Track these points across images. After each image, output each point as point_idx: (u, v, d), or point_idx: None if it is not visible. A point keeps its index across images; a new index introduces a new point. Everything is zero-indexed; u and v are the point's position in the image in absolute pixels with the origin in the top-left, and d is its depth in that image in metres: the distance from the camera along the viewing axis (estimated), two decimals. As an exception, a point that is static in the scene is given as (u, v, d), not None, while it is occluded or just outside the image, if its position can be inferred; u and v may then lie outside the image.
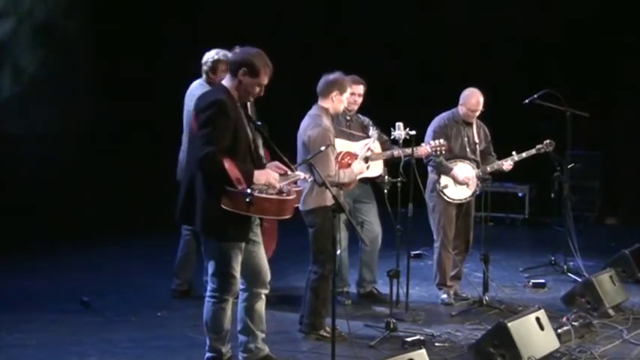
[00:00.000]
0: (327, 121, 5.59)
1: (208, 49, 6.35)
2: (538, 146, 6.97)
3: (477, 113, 6.68)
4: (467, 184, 6.64)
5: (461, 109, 6.68)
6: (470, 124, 6.74)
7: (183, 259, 6.59)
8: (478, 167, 6.68)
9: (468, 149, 6.70)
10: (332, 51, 10.53)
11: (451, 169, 6.62)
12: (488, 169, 6.71)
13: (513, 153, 6.81)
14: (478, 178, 6.65)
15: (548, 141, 7.00)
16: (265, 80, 4.63)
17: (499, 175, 7.00)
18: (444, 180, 6.65)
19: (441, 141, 6.42)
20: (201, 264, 6.41)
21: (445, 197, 6.65)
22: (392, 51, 11.23)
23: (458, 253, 6.79)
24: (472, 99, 6.62)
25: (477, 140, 6.72)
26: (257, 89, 4.64)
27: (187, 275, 6.62)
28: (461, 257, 6.84)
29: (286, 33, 10.79)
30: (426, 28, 10.99)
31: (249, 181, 4.42)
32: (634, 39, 10.29)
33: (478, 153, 6.72)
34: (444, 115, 6.77)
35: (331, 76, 5.68)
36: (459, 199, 6.68)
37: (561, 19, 10.71)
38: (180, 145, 6.43)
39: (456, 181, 6.62)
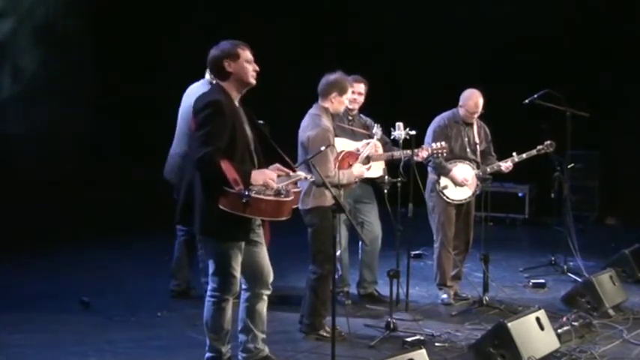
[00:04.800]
0: (326, 122, 5.57)
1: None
2: (538, 147, 6.96)
3: (477, 114, 6.68)
4: (466, 185, 6.64)
5: (460, 110, 6.69)
6: (470, 125, 6.74)
7: (179, 259, 6.60)
8: (478, 167, 6.69)
9: (468, 149, 6.70)
10: (333, 50, 10.55)
11: (450, 170, 6.62)
12: (488, 169, 6.70)
13: (514, 154, 6.81)
14: (478, 178, 6.66)
15: (548, 142, 7.00)
16: (248, 55, 4.62)
17: (499, 175, 7.01)
18: (444, 181, 6.65)
19: (442, 144, 6.41)
20: (196, 266, 6.45)
21: (445, 198, 6.65)
22: (392, 50, 11.24)
23: (458, 253, 6.79)
24: (470, 101, 6.62)
25: (477, 140, 6.72)
26: (249, 67, 4.61)
27: (184, 275, 6.63)
28: (461, 257, 6.84)
29: (287, 32, 10.80)
30: (426, 28, 11.00)
31: (246, 181, 4.41)
32: (634, 38, 10.30)
33: (478, 153, 6.72)
34: (445, 115, 6.76)
35: (332, 77, 5.64)
36: (459, 200, 6.68)
37: (561, 19, 10.72)
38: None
39: (455, 183, 6.63)
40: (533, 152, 6.93)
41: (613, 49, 10.55)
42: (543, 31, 10.74)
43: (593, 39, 10.56)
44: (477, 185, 6.68)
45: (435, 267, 6.82)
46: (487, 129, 6.88)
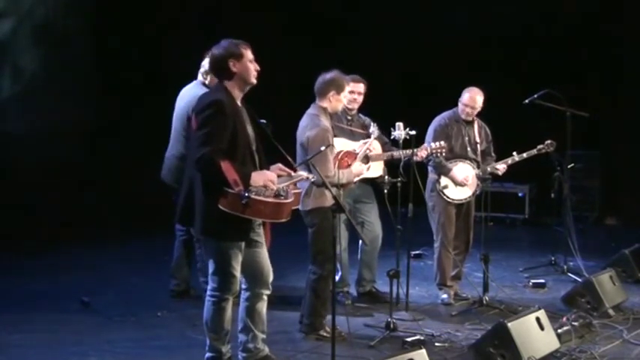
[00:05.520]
0: (325, 121, 5.56)
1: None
2: (539, 146, 6.97)
3: (471, 110, 6.66)
4: (466, 185, 6.64)
5: (459, 105, 6.71)
6: (471, 124, 6.75)
7: (178, 259, 6.60)
8: (479, 167, 6.69)
9: (468, 149, 6.70)
10: (333, 49, 10.54)
11: (450, 170, 6.62)
12: (489, 169, 6.71)
13: (514, 153, 6.82)
14: (478, 178, 6.66)
15: (549, 141, 7.00)
16: (250, 54, 4.63)
17: (499, 175, 7.01)
18: (444, 180, 6.65)
19: (441, 143, 6.42)
20: (194, 266, 6.45)
21: (445, 197, 6.65)
22: (393, 50, 11.24)
23: (458, 253, 6.79)
24: (465, 94, 6.67)
25: (477, 140, 6.73)
26: (251, 66, 4.62)
27: (184, 275, 6.63)
28: (461, 257, 6.84)
29: (287, 30, 10.79)
30: (426, 28, 11.00)
31: (246, 182, 4.41)
32: (634, 37, 10.30)
33: (479, 153, 6.72)
34: (445, 114, 6.78)
35: (328, 76, 5.61)
36: (459, 200, 6.68)
37: (561, 18, 10.72)
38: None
39: (455, 182, 6.63)
40: (534, 152, 6.94)
41: (613, 49, 10.54)
42: (543, 31, 10.74)
43: (593, 39, 10.56)
44: (478, 185, 6.69)
45: (435, 267, 6.82)
46: (488, 129, 6.88)
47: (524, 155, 6.85)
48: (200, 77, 6.30)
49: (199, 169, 4.46)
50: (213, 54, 4.69)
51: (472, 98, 6.63)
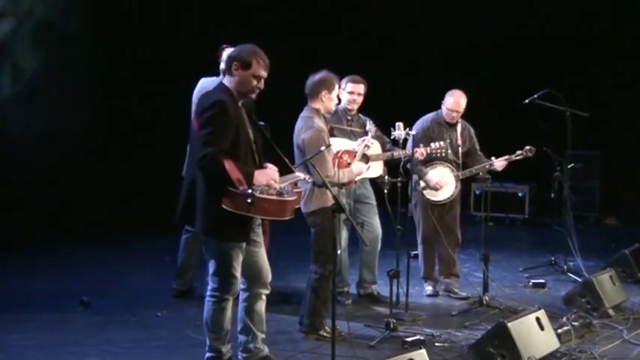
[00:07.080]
0: (319, 122, 5.52)
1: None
2: (518, 152, 6.85)
3: (456, 114, 6.71)
4: (439, 189, 6.66)
5: (442, 108, 6.76)
6: (454, 126, 6.78)
7: (184, 260, 6.58)
8: (458, 169, 6.72)
9: (449, 151, 6.70)
10: (332, 49, 10.54)
11: (426, 174, 6.66)
12: (474, 170, 6.73)
13: (492, 158, 6.78)
14: (457, 179, 6.69)
15: (528, 147, 6.92)
16: (259, 71, 4.58)
17: (499, 175, 7.00)
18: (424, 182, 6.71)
19: (441, 143, 6.42)
20: (203, 265, 6.44)
21: (425, 198, 6.69)
22: (392, 51, 11.25)
23: (449, 249, 6.80)
24: (451, 98, 6.70)
25: (459, 142, 6.75)
26: (254, 82, 4.59)
27: (189, 276, 6.62)
28: (453, 252, 6.84)
29: (286, 30, 10.79)
30: (425, 28, 11.01)
31: (249, 181, 4.42)
32: (634, 37, 10.30)
33: (460, 155, 6.74)
34: (428, 116, 6.82)
35: (317, 76, 5.56)
36: (438, 201, 6.75)
37: (561, 19, 10.73)
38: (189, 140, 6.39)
39: (429, 186, 6.65)
40: (512, 158, 6.85)
41: (613, 49, 10.54)
42: (543, 31, 10.74)
43: (593, 39, 10.56)
44: (456, 187, 6.73)
45: (420, 261, 6.91)
46: (472, 130, 6.91)
47: (503, 160, 6.78)
48: (222, 75, 6.20)
49: (202, 169, 4.46)
50: (232, 50, 4.73)
51: (457, 102, 6.67)
